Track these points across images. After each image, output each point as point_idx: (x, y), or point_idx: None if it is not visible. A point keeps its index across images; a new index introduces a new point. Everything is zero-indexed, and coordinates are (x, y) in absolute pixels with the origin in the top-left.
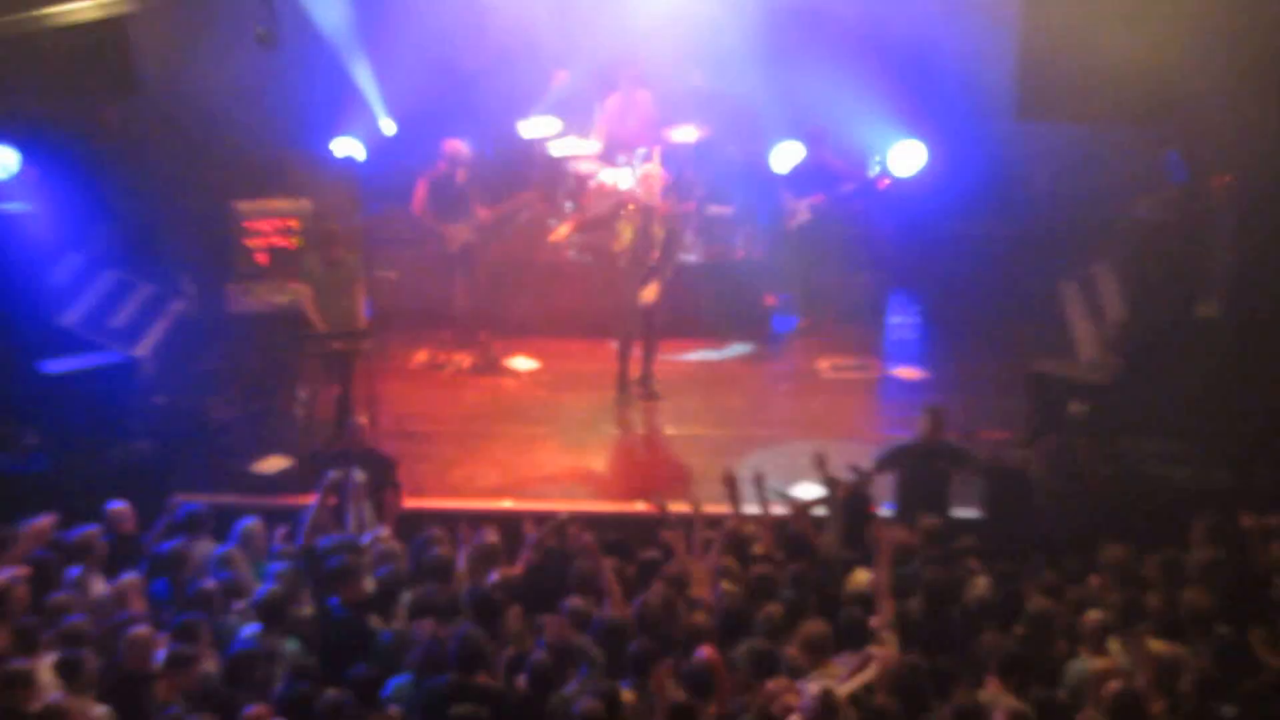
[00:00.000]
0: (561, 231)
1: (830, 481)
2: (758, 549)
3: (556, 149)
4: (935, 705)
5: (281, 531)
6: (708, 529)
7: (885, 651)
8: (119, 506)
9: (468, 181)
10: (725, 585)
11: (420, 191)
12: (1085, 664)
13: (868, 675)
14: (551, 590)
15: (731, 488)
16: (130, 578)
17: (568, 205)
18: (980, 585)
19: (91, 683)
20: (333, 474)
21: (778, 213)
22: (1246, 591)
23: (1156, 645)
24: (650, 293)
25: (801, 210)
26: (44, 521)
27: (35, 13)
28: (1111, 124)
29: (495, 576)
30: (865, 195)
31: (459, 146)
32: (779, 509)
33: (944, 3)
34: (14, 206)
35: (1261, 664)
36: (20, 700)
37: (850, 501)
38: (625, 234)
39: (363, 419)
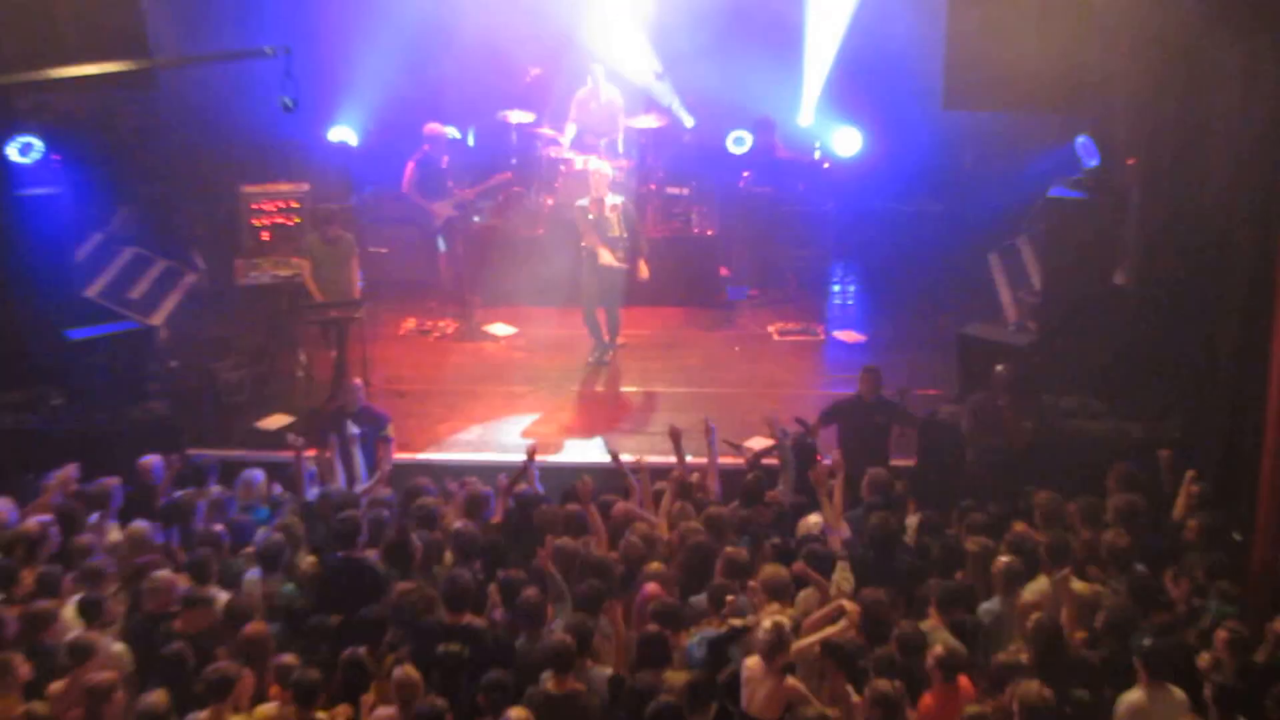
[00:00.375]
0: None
1: (780, 433)
2: (700, 495)
3: (531, 135)
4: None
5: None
6: (658, 480)
7: (856, 608)
8: (147, 459)
9: (450, 163)
10: (684, 525)
11: (408, 172)
12: (1012, 599)
13: (840, 627)
14: (528, 534)
15: (677, 441)
16: (138, 524)
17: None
18: (913, 525)
19: (110, 621)
20: (292, 437)
21: (732, 193)
22: (1160, 533)
23: (1079, 584)
24: (644, 270)
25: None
26: (66, 471)
27: (57, 72)
28: (1031, 111)
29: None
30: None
31: (440, 129)
32: (729, 459)
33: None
34: (42, 191)
35: (1171, 600)
36: (46, 637)
37: (798, 451)
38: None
39: (357, 380)
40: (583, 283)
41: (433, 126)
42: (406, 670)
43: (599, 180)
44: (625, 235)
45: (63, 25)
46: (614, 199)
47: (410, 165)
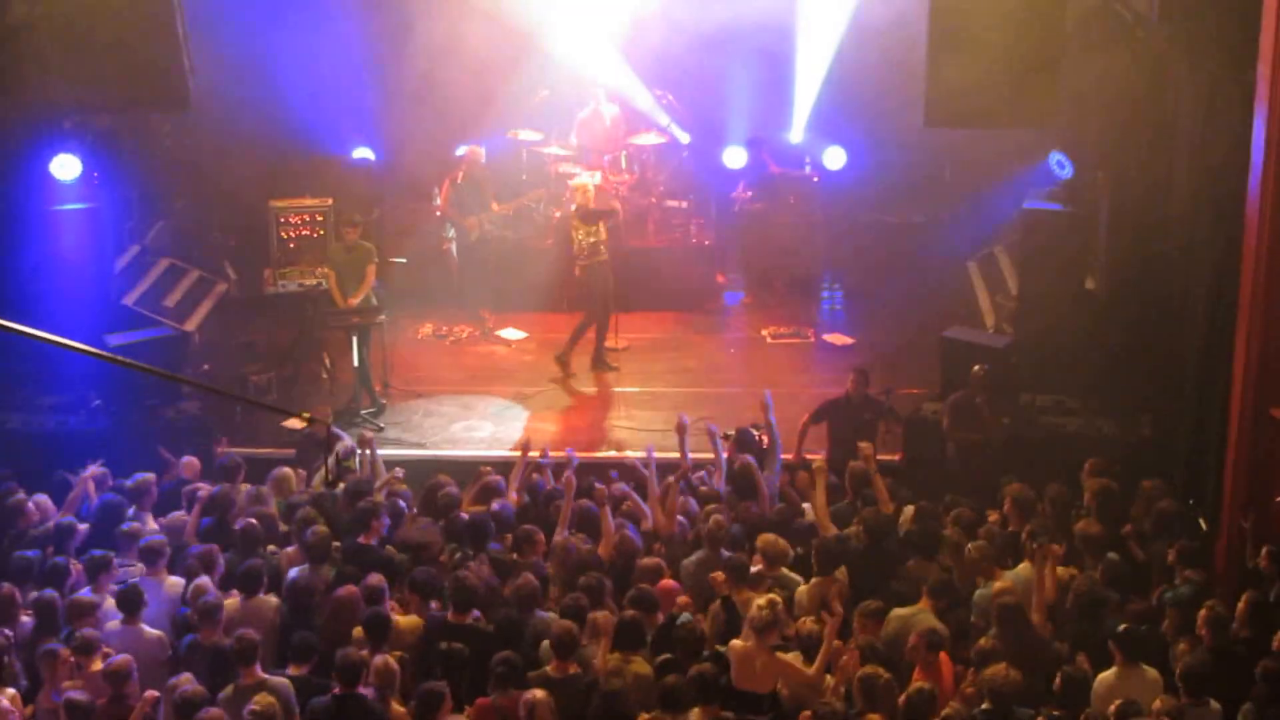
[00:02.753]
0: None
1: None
2: (705, 490)
3: (541, 152)
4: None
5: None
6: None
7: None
8: (189, 459)
9: (474, 180)
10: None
11: (445, 189)
12: (989, 587)
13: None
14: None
15: (682, 436)
16: (178, 514)
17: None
18: (907, 515)
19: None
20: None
21: (728, 205)
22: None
23: (1059, 569)
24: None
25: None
26: (96, 469)
27: None
28: (1007, 128)
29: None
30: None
31: (476, 151)
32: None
33: (866, 29)
34: (83, 205)
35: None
36: (88, 625)
37: (741, 442)
38: (578, 235)
39: (325, 409)
40: (586, 297)
41: (473, 149)
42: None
43: (599, 194)
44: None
45: (107, 67)
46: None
47: (446, 184)
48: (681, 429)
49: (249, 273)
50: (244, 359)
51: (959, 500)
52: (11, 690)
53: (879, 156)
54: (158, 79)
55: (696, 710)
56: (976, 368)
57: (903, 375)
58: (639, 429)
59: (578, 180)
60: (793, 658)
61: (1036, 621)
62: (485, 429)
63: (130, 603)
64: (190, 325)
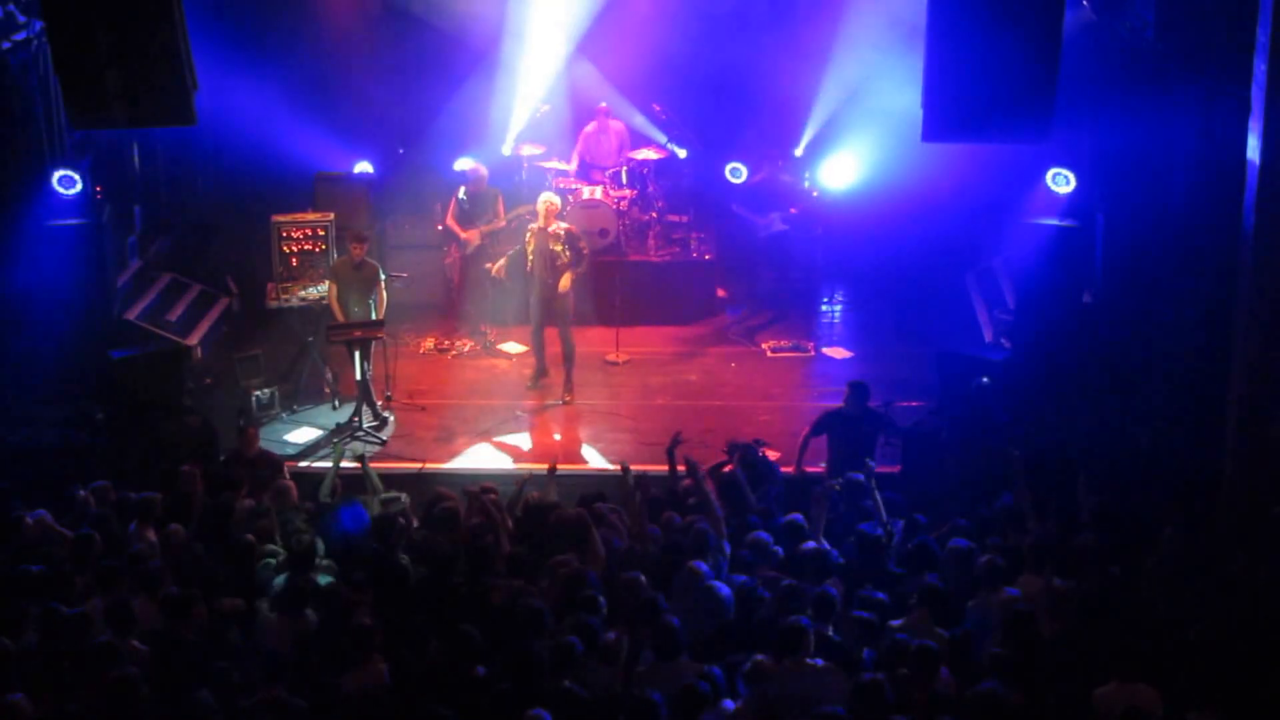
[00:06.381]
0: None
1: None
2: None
3: (542, 166)
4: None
5: None
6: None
7: None
8: (189, 469)
9: (474, 195)
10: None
11: (451, 205)
12: (989, 598)
13: None
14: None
15: (672, 452)
16: (175, 527)
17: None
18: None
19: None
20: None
21: (733, 220)
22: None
23: (1058, 582)
24: (564, 283)
25: (775, 221)
26: (102, 485)
27: None
28: (1005, 143)
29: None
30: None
31: (474, 165)
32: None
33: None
34: (87, 221)
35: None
36: (80, 639)
37: (746, 462)
38: (529, 253)
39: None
40: (530, 303)
41: (467, 163)
42: None
43: (549, 211)
44: (568, 258)
45: (109, 83)
46: (558, 225)
47: (453, 199)
48: (673, 446)
49: (251, 287)
50: (246, 373)
51: (951, 512)
52: (20, 698)
53: (877, 171)
54: (160, 95)
55: None
56: (976, 380)
57: (902, 388)
58: (639, 442)
59: (547, 197)
60: None
61: (1046, 633)
62: (486, 442)
63: (121, 619)
64: (192, 340)
